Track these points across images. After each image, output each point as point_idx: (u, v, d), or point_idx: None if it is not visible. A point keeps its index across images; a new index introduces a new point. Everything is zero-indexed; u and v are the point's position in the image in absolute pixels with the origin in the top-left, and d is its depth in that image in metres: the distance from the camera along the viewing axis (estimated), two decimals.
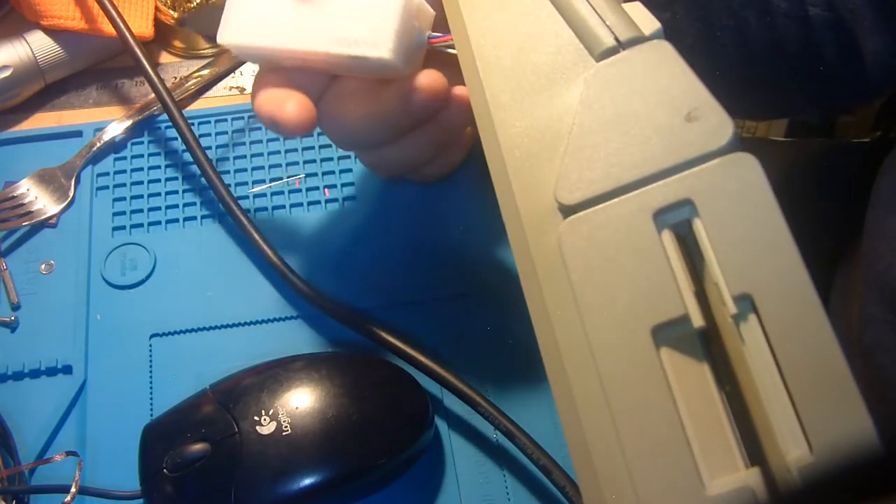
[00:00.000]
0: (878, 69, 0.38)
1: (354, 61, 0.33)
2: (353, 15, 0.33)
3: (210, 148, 0.45)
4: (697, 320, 0.20)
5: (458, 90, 0.35)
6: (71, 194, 0.44)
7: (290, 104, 0.33)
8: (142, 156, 0.45)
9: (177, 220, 0.43)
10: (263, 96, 0.34)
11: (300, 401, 0.34)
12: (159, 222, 0.43)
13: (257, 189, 0.44)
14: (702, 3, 0.37)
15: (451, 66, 0.34)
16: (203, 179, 0.43)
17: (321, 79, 0.36)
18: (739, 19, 0.39)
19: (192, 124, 0.45)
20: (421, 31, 0.33)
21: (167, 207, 0.44)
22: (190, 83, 0.48)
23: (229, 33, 0.35)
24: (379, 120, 0.35)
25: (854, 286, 0.41)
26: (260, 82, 0.35)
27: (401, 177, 0.44)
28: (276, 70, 0.35)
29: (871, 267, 0.38)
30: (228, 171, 0.45)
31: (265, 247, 0.40)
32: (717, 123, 0.21)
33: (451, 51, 0.32)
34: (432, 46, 0.33)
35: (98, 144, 0.45)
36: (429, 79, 0.33)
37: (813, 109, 0.64)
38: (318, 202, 0.44)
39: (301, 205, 0.44)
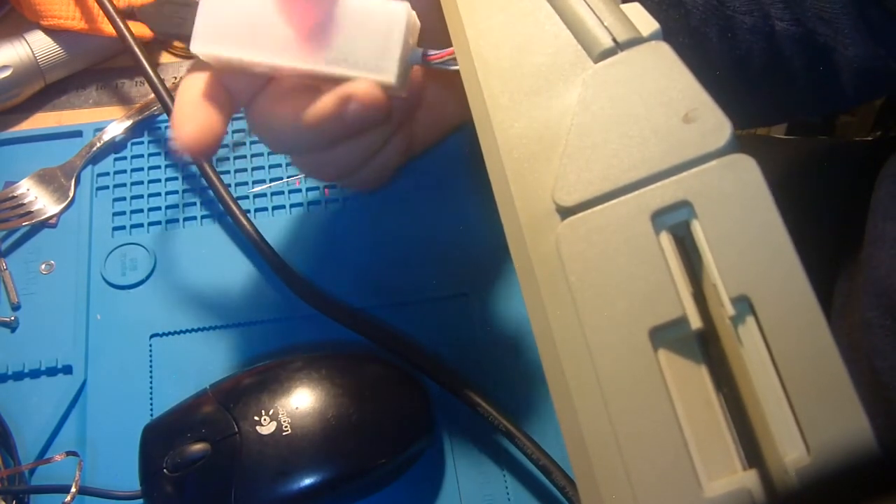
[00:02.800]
0: (859, 74, 0.38)
1: (344, 78, 0.31)
2: (352, 33, 0.30)
3: None
4: (695, 322, 0.20)
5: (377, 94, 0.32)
6: (71, 194, 0.44)
7: (188, 126, 0.30)
8: (142, 156, 0.45)
9: (177, 220, 0.43)
10: (178, 104, 0.31)
11: (300, 401, 0.34)
12: (159, 222, 0.43)
13: (257, 189, 0.44)
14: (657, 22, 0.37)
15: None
16: (203, 179, 0.43)
17: (259, 79, 0.33)
18: (699, 36, 0.38)
19: None
20: (414, 48, 0.31)
21: (167, 207, 0.44)
22: None
23: (206, 42, 0.31)
24: (312, 126, 0.32)
25: (855, 290, 0.41)
26: (187, 83, 0.32)
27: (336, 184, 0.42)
28: (208, 68, 0.32)
29: (869, 272, 0.39)
30: (228, 171, 0.45)
31: (265, 247, 0.40)
32: (715, 124, 0.21)
33: (453, 68, 0.29)
34: (429, 64, 0.31)
35: (98, 144, 0.45)
36: (365, 90, 0.31)
37: (786, 120, 0.64)
38: (318, 202, 0.44)
39: (301, 205, 0.44)
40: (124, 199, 0.44)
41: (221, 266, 0.42)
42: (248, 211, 0.43)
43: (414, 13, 0.31)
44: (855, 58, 0.37)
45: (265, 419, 0.33)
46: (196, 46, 0.31)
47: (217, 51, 0.31)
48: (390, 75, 0.30)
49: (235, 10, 0.30)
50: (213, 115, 0.31)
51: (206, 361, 0.39)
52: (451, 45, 0.29)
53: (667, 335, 0.20)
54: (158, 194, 0.44)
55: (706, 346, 0.20)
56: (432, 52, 0.31)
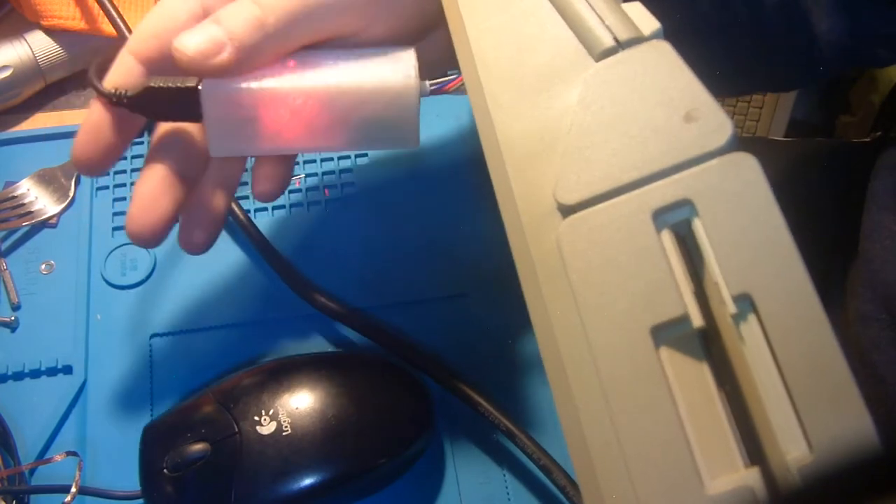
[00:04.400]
0: (832, 48, 0.38)
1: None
2: (370, 113, 0.29)
3: None
4: (697, 320, 0.20)
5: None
6: (71, 194, 0.44)
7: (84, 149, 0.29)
8: (142, 156, 0.45)
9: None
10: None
11: (300, 401, 0.34)
12: None
13: None
14: None
15: None
16: None
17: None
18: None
19: None
20: (423, 88, 0.30)
21: None
22: None
23: (221, 147, 0.30)
24: None
25: (851, 285, 0.41)
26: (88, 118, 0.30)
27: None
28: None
29: (865, 266, 0.39)
30: None
31: (265, 246, 0.40)
32: (716, 123, 0.21)
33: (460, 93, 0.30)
34: (438, 92, 0.31)
35: None
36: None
37: (763, 89, 0.63)
38: (319, 202, 0.44)
39: (301, 205, 0.44)
40: (124, 199, 0.44)
41: (221, 266, 0.42)
42: (249, 211, 0.43)
43: (417, 78, 0.29)
44: (830, 30, 0.37)
45: (265, 419, 0.33)
46: (214, 152, 0.30)
47: (235, 152, 0.31)
48: (411, 143, 0.31)
49: (245, 107, 0.29)
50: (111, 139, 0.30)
51: (206, 361, 0.39)
52: (450, 44, 0.29)
53: (668, 333, 0.20)
54: None
55: (708, 345, 0.20)
56: (435, 84, 0.31)
